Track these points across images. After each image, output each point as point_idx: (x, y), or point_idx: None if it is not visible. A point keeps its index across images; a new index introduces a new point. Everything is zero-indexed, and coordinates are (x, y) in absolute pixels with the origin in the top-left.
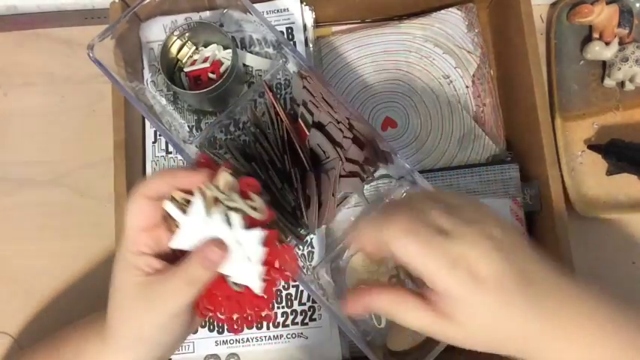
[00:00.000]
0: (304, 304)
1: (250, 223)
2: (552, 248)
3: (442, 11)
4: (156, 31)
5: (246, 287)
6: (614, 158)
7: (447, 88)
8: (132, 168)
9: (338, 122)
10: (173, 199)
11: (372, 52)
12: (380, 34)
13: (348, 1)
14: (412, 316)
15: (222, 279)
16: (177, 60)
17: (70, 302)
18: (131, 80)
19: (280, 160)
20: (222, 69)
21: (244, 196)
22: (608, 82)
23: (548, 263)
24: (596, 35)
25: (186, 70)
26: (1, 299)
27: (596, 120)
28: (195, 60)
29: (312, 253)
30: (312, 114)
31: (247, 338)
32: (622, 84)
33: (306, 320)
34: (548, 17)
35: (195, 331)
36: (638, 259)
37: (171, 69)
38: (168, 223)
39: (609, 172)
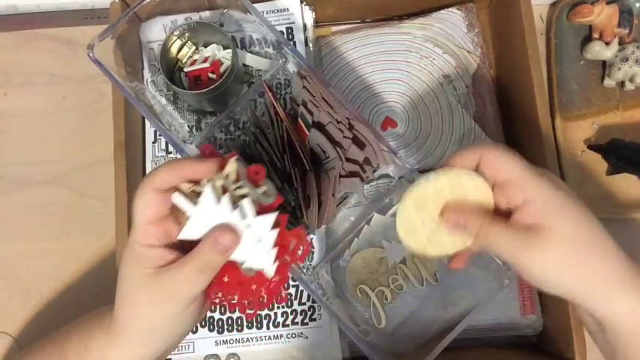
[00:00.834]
0: (304, 303)
1: (260, 210)
2: None
3: (442, 11)
4: (156, 31)
5: (259, 271)
6: (614, 158)
7: (447, 88)
8: (132, 168)
9: (338, 122)
10: (180, 191)
11: (372, 52)
12: (380, 34)
13: (348, 1)
14: (498, 236)
15: (232, 265)
16: (177, 60)
17: (70, 302)
18: (131, 80)
19: (280, 160)
20: (222, 69)
21: (253, 183)
22: (608, 82)
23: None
24: (596, 35)
25: (186, 70)
26: (1, 299)
27: (596, 120)
28: (195, 60)
29: (312, 253)
30: (312, 114)
31: (247, 338)
32: (622, 84)
33: (306, 320)
34: (548, 17)
35: (195, 331)
36: (639, 259)
37: (171, 69)
38: (176, 215)
39: (609, 172)
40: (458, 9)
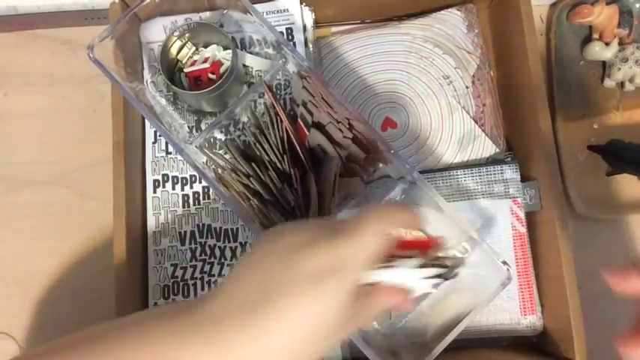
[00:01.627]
0: None
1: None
2: (553, 248)
3: (442, 12)
4: (156, 32)
5: None
6: (614, 158)
7: (447, 88)
8: (132, 168)
9: (338, 122)
10: None
11: (371, 53)
12: (380, 35)
13: (347, 2)
14: None
15: None
16: (177, 60)
17: (70, 302)
18: (131, 80)
19: (280, 161)
20: (222, 69)
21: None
22: (608, 83)
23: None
24: (596, 36)
25: (186, 70)
26: (1, 299)
27: (596, 120)
28: (195, 60)
29: None
30: (311, 114)
31: None
32: (622, 84)
33: None
34: (548, 17)
35: None
36: (638, 259)
37: (171, 69)
38: None
39: (609, 172)
40: (458, 9)
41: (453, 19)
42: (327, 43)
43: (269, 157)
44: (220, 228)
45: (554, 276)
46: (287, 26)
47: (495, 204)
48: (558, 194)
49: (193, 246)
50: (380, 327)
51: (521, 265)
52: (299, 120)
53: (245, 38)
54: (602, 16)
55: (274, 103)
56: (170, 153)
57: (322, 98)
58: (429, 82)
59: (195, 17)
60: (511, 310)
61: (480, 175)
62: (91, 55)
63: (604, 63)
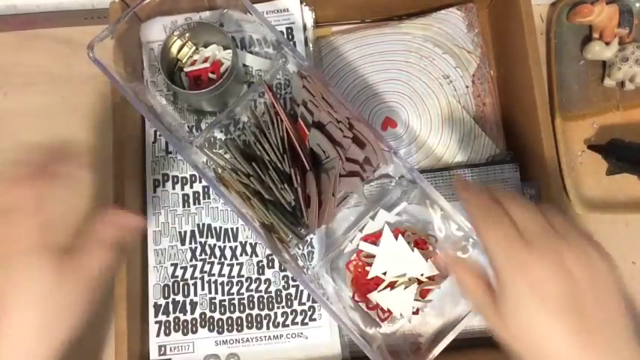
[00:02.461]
0: (304, 303)
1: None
2: None
3: (442, 11)
4: (156, 32)
5: None
6: (614, 158)
7: (447, 88)
8: (132, 168)
9: (338, 122)
10: None
11: (372, 52)
12: (380, 34)
13: (347, 2)
14: (474, 296)
15: None
16: (178, 60)
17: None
18: (131, 80)
19: (280, 160)
20: (222, 69)
21: None
22: (608, 82)
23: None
24: (596, 35)
25: (186, 70)
26: None
27: (596, 120)
28: (196, 60)
29: (312, 253)
30: (312, 114)
31: (247, 338)
32: (622, 84)
33: (306, 320)
34: (548, 17)
35: (195, 331)
36: (638, 259)
37: (171, 69)
38: None
39: (609, 172)
40: (458, 9)
41: (453, 19)
42: (328, 43)
43: (269, 156)
44: (221, 227)
45: None
46: (287, 26)
47: None
48: (558, 194)
49: (193, 245)
50: (381, 327)
51: None
52: (299, 119)
53: (245, 38)
54: (603, 15)
55: (274, 102)
56: (170, 153)
57: (322, 98)
58: (429, 81)
59: (195, 17)
60: None
61: (479, 175)
62: (91, 55)
63: (604, 62)
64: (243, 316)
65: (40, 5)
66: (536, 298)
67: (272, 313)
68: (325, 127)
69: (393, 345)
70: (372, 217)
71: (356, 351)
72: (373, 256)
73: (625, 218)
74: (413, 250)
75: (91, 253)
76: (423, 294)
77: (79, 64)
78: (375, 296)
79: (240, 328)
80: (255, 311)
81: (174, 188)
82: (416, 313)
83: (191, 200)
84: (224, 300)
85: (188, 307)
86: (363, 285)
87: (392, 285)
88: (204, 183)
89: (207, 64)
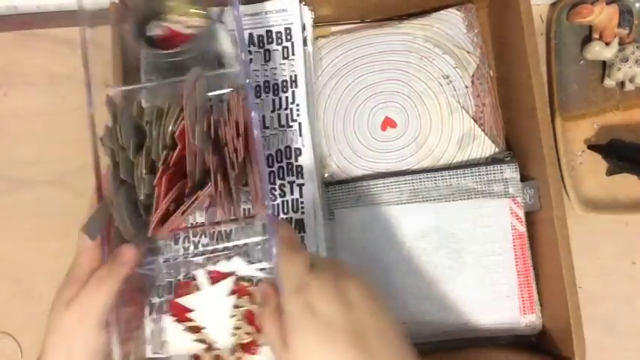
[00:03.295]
0: None
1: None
2: (552, 248)
3: (442, 11)
4: None
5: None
6: (614, 158)
7: (447, 88)
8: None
9: (235, 150)
10: None
11: (371, 53)
12: (379, 35)
13: (347, 1)
14: (269, 338)
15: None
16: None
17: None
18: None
19: (158, 152)
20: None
21: None
22: (608, 82)
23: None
24: (596, 35)
25: (165, 22)
26: (1, 299)
27: (596, 120)
28: (185, 21)
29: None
30: (217, 130)
31: None
32: (622, 84)
33: None
34: (548, 17)
35: None
36: (638, 259)
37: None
38: None
39: (609, 172)
40: (457, 9)
41: (452, 19)
42: (327, 43)
43: (150, 142)
44: None
45: (553, 275)
46: (286, 26)
47: (495, 203)
48: (558, 194)
49: (186, 244)
50: None
51: (520, 264)
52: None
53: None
54: (602, 15)
55: (185, 102)
56: None
57: (236, 121)
58: (429, 81)
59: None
60: (510, 309)
61: (479, 175)
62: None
63: (604, 63)
64: None
65: (40, 5)
66: (320, 326)
67: None
68: (222, 149)
69: None
70: (228, 258)
71: None
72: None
73: (625, 218)
74: (230, 318)
75: (94, 295)
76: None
77: (79, 63)
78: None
79: None
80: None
81: None
82: None
83: None
84: None
85: None
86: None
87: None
88: None
89: (187, 30)
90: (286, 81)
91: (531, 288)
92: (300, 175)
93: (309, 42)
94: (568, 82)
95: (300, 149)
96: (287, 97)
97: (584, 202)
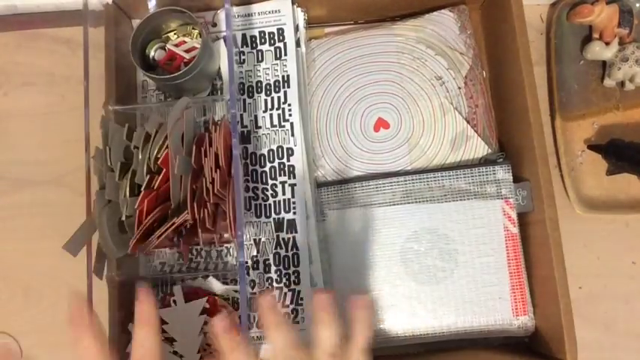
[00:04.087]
0: (288, 306)
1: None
2: (544, 249)
3: (434, 13)
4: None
5: None
6: (614, 158)
7: (440, 89)
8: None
9: (212, 180)
10: None
11: (364, 54)
12: (372, 36)
13: (340, 3)
14: None
15: None
16: (171, 31)
17: (70, 302)
18: None
19: (142, 177)
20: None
21: None
22: (608, 82)
23: None
24: (596, 35)
25: (168, 45)
26: (1, 299)
27: (596, 120)
28: (185, 42)
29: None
30: (199, 156)
31: None
32: (622, 84)
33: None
34: (548, 17)
35: None
36: (638, 259)
37: (155, 35)
38: None
39: (609, 172)
40: (450, 10)
41: (445, 20)
42: (320, 44)
43: (136, 166)
44: None
45: (545, 277)
46: (278, 27)
47: (487, 205)
48: (550, 195)
49: (165, 262)
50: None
51: (513, 265)
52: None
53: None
54: (603, 15)
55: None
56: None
57: (216, 153)
58: (422, 82)
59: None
60: (503, 310)
61: (472, 176)
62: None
63: (604, 62)
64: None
65: (40, 5)
66: None
67: (256, 314)
68: (199, 177)
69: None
70: (204, 277)
71: None
72: None
73: (625, 218)
74: (200, 335)
75: None
76: None
77: (79, 63)
78: None
79: None
80: (239, 312)
81: None
82: None
83: None
84: None
85: None
86: None
87: None
88: None
89: (186, 55)
90: (278, 81)
91: (524, 289)
92: (292, 175)
93: (302, 43)
94: (568, 82)
95: (292, 149)
96: (279, 97)
97: (584, 202)
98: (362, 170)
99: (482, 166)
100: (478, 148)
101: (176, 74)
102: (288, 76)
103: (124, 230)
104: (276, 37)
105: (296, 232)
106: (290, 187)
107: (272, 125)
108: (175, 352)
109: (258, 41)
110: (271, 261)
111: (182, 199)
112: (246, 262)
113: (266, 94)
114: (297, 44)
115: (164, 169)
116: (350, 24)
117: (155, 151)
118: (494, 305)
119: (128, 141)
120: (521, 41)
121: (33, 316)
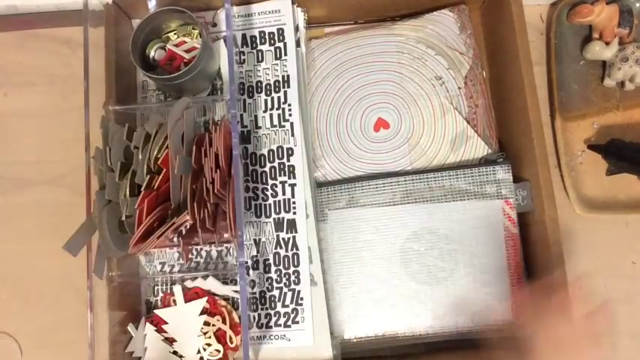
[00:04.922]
0: (287, 306)
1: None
2: (544, 249)
3: (434, 13)
4: None
5: None
6: (614, 158)
7: (440, 89)
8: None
9: (212, 180)
10: None
11: (364, 54)
12: (372, 36)
13: (340, 3)
14: None
15: None
16: (171, 31)
17: (70, 302)
18: None
19: (142, 177)
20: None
21: None
22: (608, 82)
23: None
24: (596, 35)
25: (168, 45)
26: (1, 299)
27: (596, 120)
28: (186, 42)
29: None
30: (199, 156)
31: None
32: (622, 84)
33: (289, 323)
34: (548, 17)
35: None
36: (638, 259)
37: (155, 35)
38: None
39: (609, 172)
40: (450, 11)
41: (445, 20)
42: (320, 44)
43: (136, 166)
44: None
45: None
46: (278, 27)
47: (487, 205)
48: (550, 195)
49: (165, 262)
50: None
51: (512, 265)
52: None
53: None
54: (603, 15)
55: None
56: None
57: (216, 154)
58: (422, 82)
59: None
60: (503, 310)
61: (472, 176)
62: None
63: (604, 62)
64: None
65: (40, 5)
66: None
67: (256, 314)
68: (199, 177)
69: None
70: (204, 277)
71: (347, 352)
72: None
73: (625, 218)
74: (200, 335)
75: None
76: None
77: (79, 63)
78: None
79: None
80: (239, 312)
81: None
82: None
83: None
84: None
85: None
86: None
87: None
88: None
89: (186, 55)
90: (278, 81)
91: (524, 290)
92: (292, 175)
93: (302, 43)
94: (568, 82)
95: (292, 149)
96: (279, 97)
97: (584, 202)
98: (362, 170)
99: (482, 166)
100: (478, 148)
101: (176, 74)
102: (288, 76)
103: (124, 230)
104: (276, 37)
105: (296, 232)
106: (290, 187)
107: (272, 125)
108: (175, 352)
109: (258, 41)
110: (271, 261)
111: (182, 199)
112: (246, 262)
113: (266, 94)
114: (297, 44)
115: (164, 169)
116: (350, 24)
117: (155, 151)
118: (494, 305)
119: (128, 141)
120: (521, 41)
121: (33, 316)
